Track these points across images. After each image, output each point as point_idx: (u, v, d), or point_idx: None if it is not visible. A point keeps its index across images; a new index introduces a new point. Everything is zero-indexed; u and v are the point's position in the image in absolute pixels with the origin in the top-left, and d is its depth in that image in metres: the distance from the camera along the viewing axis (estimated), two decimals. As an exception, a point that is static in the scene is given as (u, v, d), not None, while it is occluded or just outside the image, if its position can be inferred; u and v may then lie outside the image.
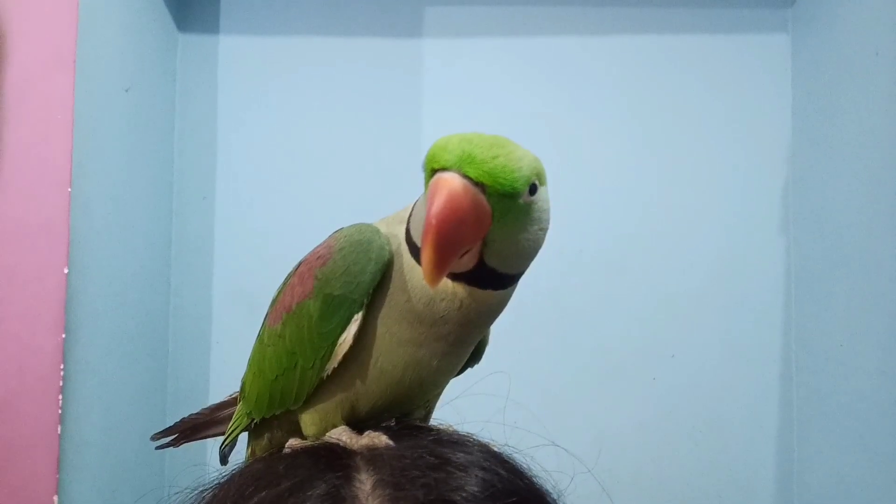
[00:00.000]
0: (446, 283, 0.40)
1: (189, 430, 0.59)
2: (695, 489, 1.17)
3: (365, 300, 0.42)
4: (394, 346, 0.43)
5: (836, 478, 1.06)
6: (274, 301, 0.49)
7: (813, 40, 1.15)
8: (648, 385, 1.18)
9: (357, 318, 0.42)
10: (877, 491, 0.97)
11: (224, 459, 0.54)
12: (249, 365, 0.51)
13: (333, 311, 0.42)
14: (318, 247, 0.46)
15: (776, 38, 1.21)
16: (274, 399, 0.46)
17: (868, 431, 0.99)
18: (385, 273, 0.42)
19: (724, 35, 1.22)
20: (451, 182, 0.36)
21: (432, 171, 0.38)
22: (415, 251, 0.41)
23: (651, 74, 1.22)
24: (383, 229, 0.44)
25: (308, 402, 0.45)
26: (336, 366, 0.43)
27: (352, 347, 0.42)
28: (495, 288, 0.42)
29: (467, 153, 0.37)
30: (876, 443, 0.97)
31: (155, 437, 0.60)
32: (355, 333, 0.42)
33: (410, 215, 0.43)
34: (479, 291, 0.41)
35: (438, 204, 0.36)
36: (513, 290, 0.44)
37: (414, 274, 0.41)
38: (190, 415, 0.59)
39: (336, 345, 0.42)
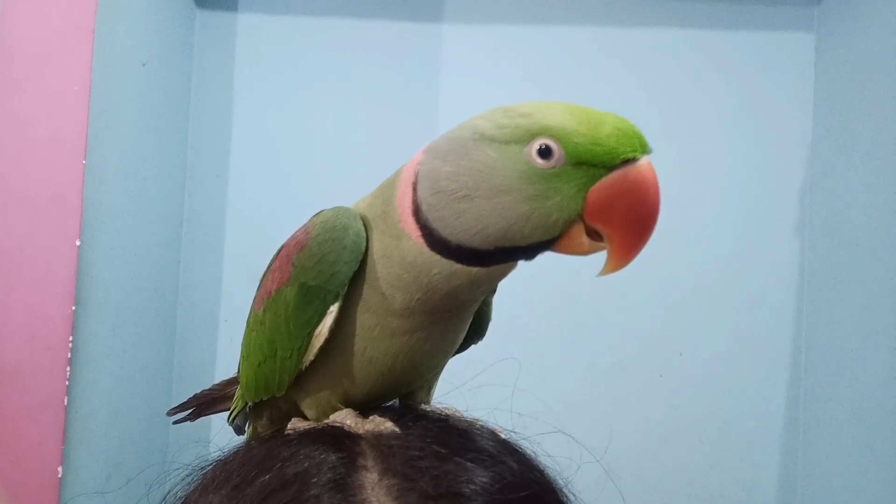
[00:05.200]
0: (453, 265, 0.38)
1: (203, 404, 0.59)
2: (698, 487, 1.17)
3: (341, 291, 0.40)
4: (383, 335, 0.41)
5: (840, 482, 1.05)
6: (260, 284, 0.48)
7: (838, 40, 1.13)
8: (655, 381, 1.17)
9: (333, 311, 0.40)
10: (880, 496, 0.97)
11: (239, 430, 0.54)
12: (241, 348, 0.50)
13: (308, 301, 0.40)
14: (299, 229, 0.44)
15: (801, 36, 1.20)
16: (259, 385, 0.45)
17: (874, 437, 0.98)
18: (365, 259, 0.40)
19: (748, 31, 1.20)
20: (654, 173, 0.38)
21: (609, 161, 0.37)
22: (439, 243, 0.38)
23: (671, 68, 1.21)
24: (366, 212, 0.42)
25: (303, 386, 0.44)
26: (313, 358, 0.41)
27: (332, 339, 0.41)
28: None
29: (637, 134, 0.38)
30: (881, 449, 0.97)
31: (171, 413, 0.60)
32: (331, 326, 0.40)
33: (423, 198, 0.38)
34: (482, 270, 0.38)
35: (654, 197, 0.39)
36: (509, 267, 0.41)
37: (415, 257, 0.39)
38: (203, 390, 0.60)
39: (312, 336, 0.41)
